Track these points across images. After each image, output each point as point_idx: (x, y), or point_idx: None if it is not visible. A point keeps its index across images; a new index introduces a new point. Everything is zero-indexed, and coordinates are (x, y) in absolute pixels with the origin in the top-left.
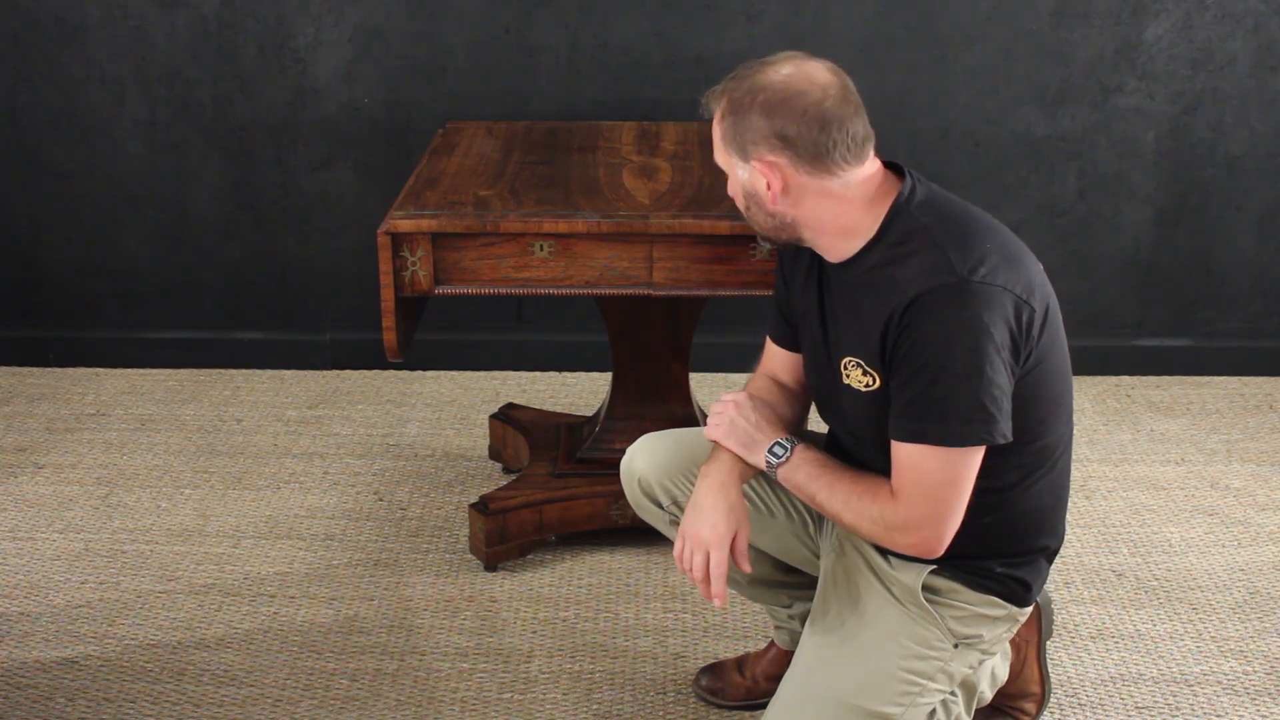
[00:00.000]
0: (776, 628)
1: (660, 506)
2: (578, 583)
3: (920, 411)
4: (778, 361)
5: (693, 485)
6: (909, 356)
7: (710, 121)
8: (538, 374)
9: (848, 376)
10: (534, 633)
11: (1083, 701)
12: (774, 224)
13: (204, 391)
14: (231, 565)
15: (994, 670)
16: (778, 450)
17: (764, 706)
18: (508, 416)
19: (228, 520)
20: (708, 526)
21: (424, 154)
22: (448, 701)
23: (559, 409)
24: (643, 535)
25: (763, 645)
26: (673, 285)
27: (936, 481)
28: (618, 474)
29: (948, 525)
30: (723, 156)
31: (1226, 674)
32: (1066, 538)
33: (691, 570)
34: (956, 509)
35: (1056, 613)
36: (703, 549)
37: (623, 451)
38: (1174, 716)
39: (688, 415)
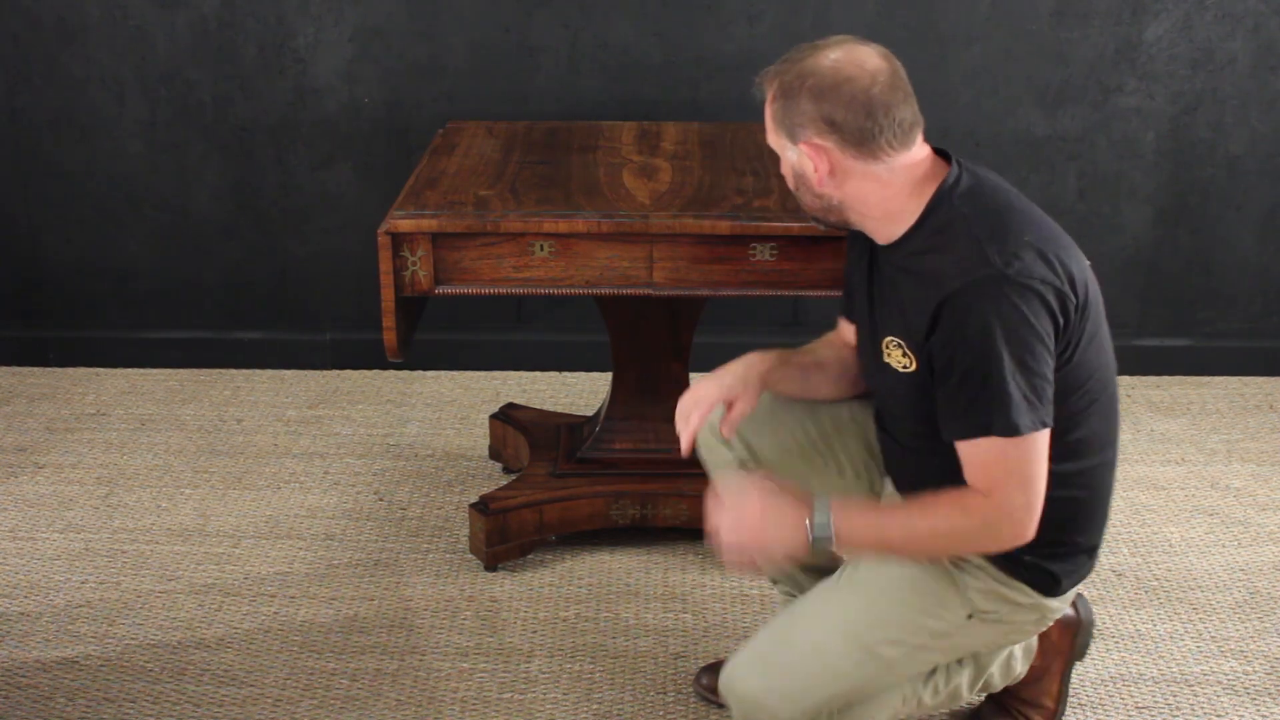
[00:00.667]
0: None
1: (729, 447)
2: (578, 583)
3: (980, 409)
4: (846, 334)
5: (766, 437)
6: (957, 356)
7: (763, 103)
8: (538, 374)
9: (888, 355)
10: (534, 633)
11: (1083, 701)
12: (821, 205)
13: (204, 391)
14: (231, 565)
15: (1011, 659)
16: (819, 520)
17: None
18: (508, 416)
19: (228, 520)
20: (711, 381)
21: (424, 154)
22: (448, 701)
23: (559, 409)
24: (643, 535)
25: None
26: (673, 285)
27: (1019, 469)
28: (617, 474)
29: (1037, 509)
30: (774, 138)
31: (1226, 674)
32: None
33: (679, 417)
34: (1041, 491)
35: None
36: (693, 398)
37: (623, 451)
38: (1174, 716)
39: None
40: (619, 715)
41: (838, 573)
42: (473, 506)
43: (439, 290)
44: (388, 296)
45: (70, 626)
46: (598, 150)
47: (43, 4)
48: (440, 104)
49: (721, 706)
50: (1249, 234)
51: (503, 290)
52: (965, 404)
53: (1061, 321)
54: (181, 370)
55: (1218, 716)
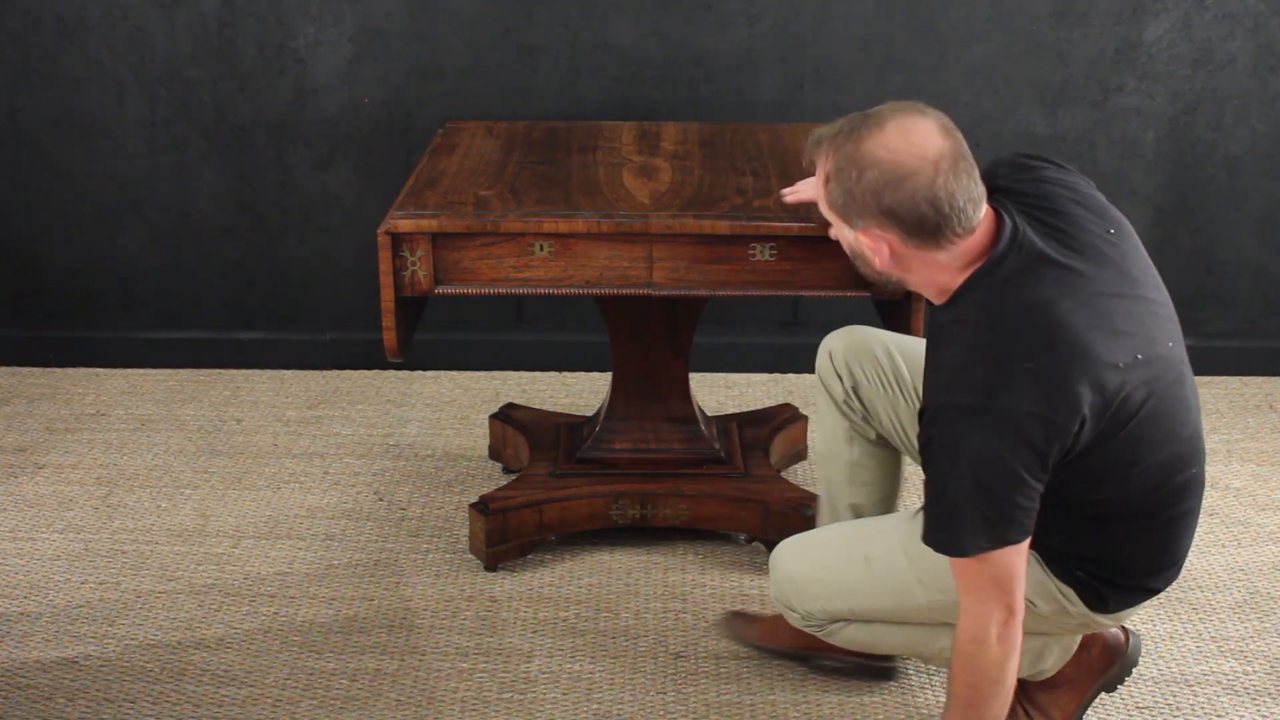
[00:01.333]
0: None
1: (841, 381)
2: (578, 583)
3: (933, 517)
4: None
5: (878, 375)
6: (926, 461)
7: (809, 166)
8: (538, 374)
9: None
10: (534, 633)
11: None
12: (880, 278)
13: (204, 391)
14: (231, 565)
15: (1045, 652)
16: None
17: (812, 658)
18: (508, 416)
19: (228, 520)
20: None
21: (424, 154)
22: (448, 701)
23: (559, 409)
24: (643, 535)
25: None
26: (673, 285)
27: (979, 581)
28: (617, 474)
29: (1019, 613)
30: (827, 212)
31: (1226, 674)
32: None
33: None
34: (1014, 585)
35: None
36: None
37: (623, 451)
38: (1174, 716)
39: (688, 415)
40: (619, 715)
41: (917, 509)
42: (473, 506)
43: (439, 290)
44: (387, 296)
45: (70, 626)
46: (598, 150)
47: (43, 4)
48: (440, 104)
49: (769, 651)
50: (1249, 234)
51: (503, 290)
52: (929, 513)
53: (1051, 446)
54: (181, 370)
55: (1218, 716)
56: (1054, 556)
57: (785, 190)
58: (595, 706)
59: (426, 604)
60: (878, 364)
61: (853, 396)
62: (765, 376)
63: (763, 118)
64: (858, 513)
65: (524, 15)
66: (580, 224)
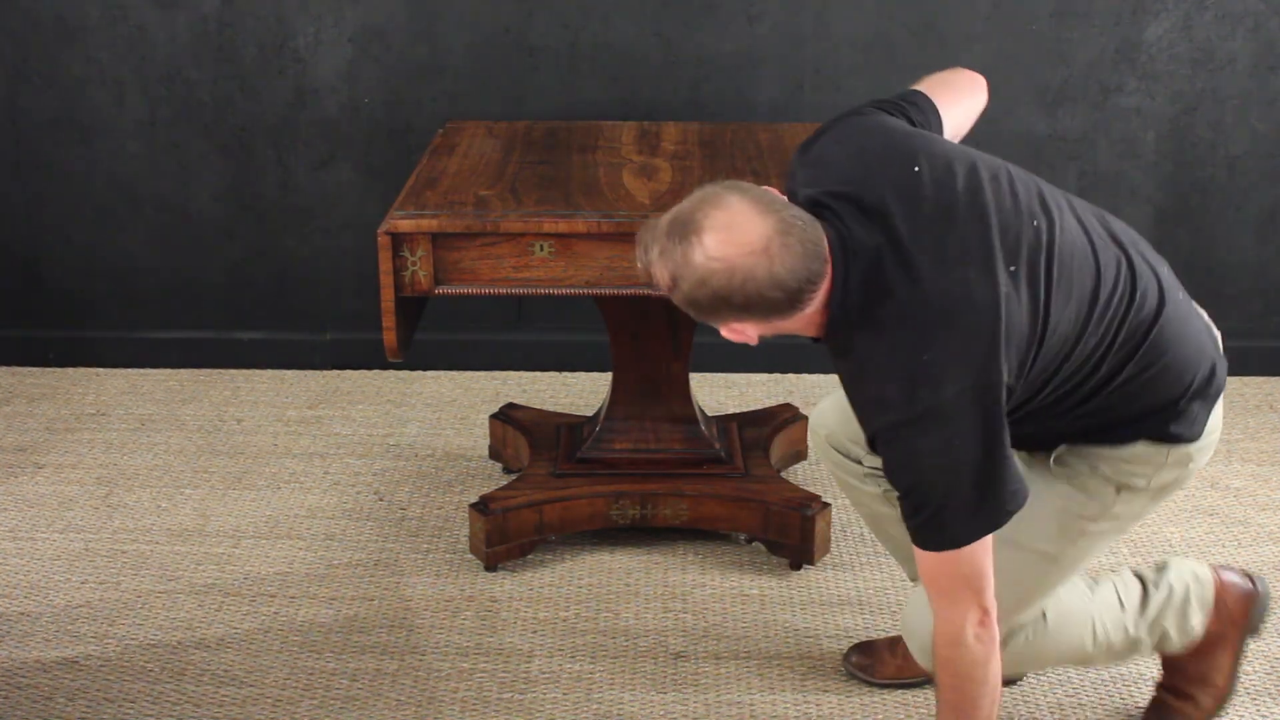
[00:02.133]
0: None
1: (850, 458)
2: (578, 583)
3: (919, 528)
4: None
5: None
6: (894, 483)
7: (645, 274)
8: (538, 374)
9: None
10: (534, 633)
11: (1082, 701)
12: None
13: (204, 391)
14: (231, 565)
15: (1188, 614)
16: None
17: (914, 686)
18: (508, 416)
19: (228, 520)
20: None
21: (424, 154)
22: (448, 701)
23: (559, 409)
24: (643, 535)
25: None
26: None
27: (950, 583)
28: (617, 474)
29: (993, 607)
30: (685, 309)
31: None
32: None
33: None
34: (984, 583)
35: None
36: None
37: (623, 451)
38: None
39: (688, 415)
40: (619, 715)
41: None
42: (473, 506)
43: (439, 290)
44: (388, 296)
45: (70, 626)
46: (598, 150)
47: (43, 4)
48: (440, 104)
49: (870, 683)
50: (1249, 234)
51: (503, 290)
52: (906, 518)
53: (995, 406)
54: (181, 370)
55: (1218, 716)
56: (1094, 436)
57: None
58: (595, 706)
59: (426, 604)
60: None
61: (868, 466)
62: (765, 376)
63: (763, 118)
64: None
65: (524, 15)
66: (580, 224)
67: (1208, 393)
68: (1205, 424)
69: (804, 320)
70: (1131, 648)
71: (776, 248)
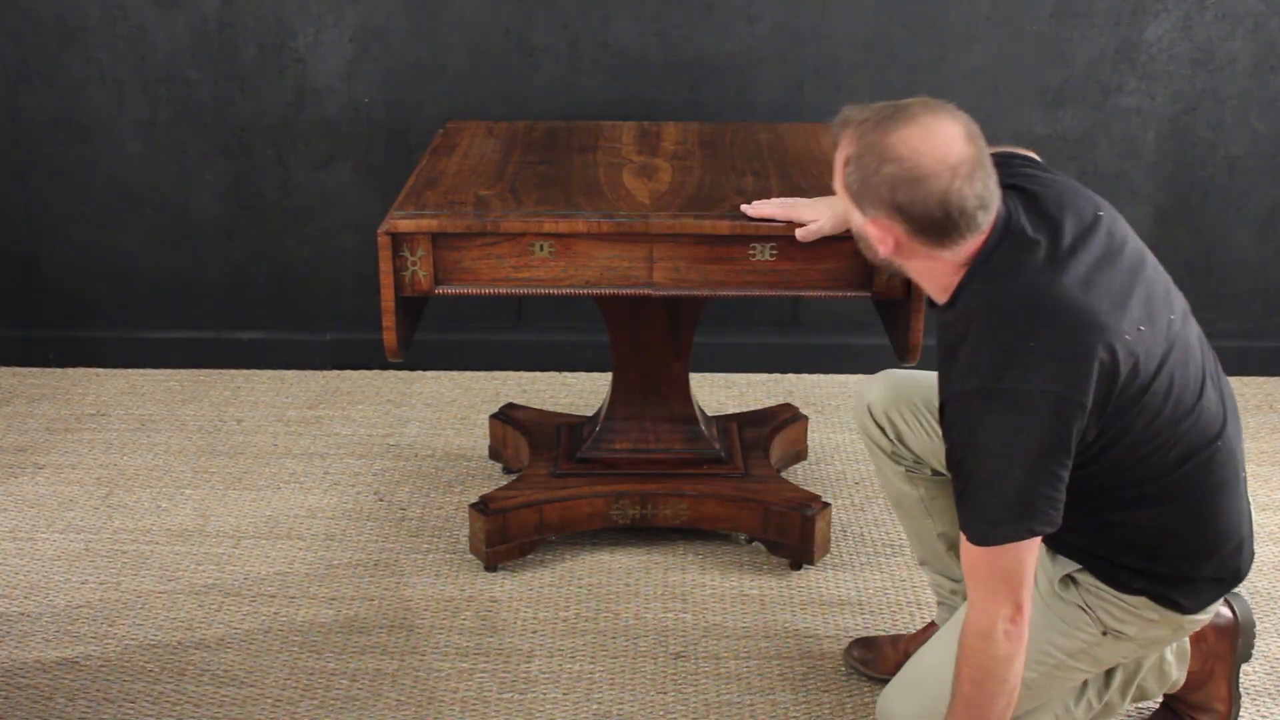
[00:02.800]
0: (939, 603)
1: (886, 434)
2: (578, 583)
3: (965, 511)
4: None
5: (917, 420)
6: (949, 453)
7: (832, 146)
8: (538, 374)
9: None
10: (534, 633)
11: None
12: (881, 264)
13: (204, 391)
14: (231, 565)
15: (1165, 665)
16: None
17: None
18: (508, 416)
19: (228, 520)
20: (803, 204)
21: (424, 154)
22: (448, 701)
23: (559, 409)
24: (643, 535)
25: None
26: (673, 285)
27: (988, 575)
28: (617, 474)
29: (1027, 610)
30: (841, 194)
31: None
32: None
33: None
34: (1023, 580)
35: None
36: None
37: (623, 451)
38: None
39: (688, 415)
40: (619, 715)
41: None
42: (473, 506)
43: (439, 290)
44: (388, 296)
45: (70, 626)
46: (598, 150)
47: (43, 4)
48: (440, 104)
49: (871, 678)
50: (1249, 234)
51: (503, 290)
52: (961, 507)
53: (1069, 425)
54: (181, 370)
55: None
56: (1105, 569)
57: (746, 207)
58: (595, 706)
59: (426, 604)
60: (915, 409)
61: (899, 445)
62: (765, 376)
63: (763, 118)
64: (948, 541)
65: (524, 15)
66: (580, 224)
67: (1224, 578)
68: (1212, 605)
69: (938, 266)
70: (1107, 710)
71: (965, 173)
